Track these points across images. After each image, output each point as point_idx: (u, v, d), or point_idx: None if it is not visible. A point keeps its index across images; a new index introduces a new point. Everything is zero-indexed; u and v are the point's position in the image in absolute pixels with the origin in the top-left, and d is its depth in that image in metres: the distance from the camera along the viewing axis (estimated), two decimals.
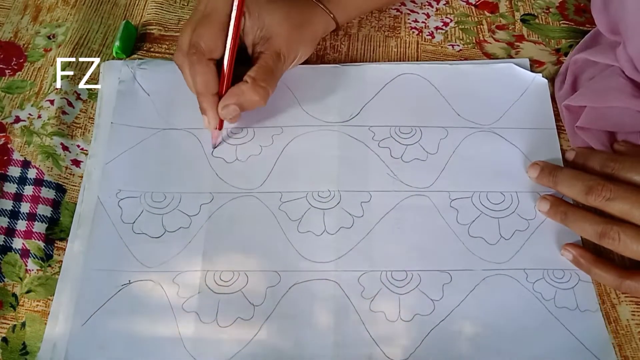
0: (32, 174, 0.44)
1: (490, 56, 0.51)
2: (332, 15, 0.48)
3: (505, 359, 0.38)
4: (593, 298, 0.40)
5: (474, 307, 0.39)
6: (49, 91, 0.48)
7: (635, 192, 0.38)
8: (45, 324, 0.39)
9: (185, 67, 0.43)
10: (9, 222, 0.43)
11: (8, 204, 0.43)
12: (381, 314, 0.39)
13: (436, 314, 0.39)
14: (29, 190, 0.44)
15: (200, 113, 0.43)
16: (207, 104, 0.42)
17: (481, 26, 0.53)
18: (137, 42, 0.51)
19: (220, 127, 0.45)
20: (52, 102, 0.47)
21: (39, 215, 0.43)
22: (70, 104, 0.48)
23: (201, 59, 0.41)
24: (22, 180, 0.44)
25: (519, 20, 0.54)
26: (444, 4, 0.55)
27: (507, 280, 0.40)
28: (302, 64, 0.49)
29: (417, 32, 0.53)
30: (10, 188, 0.44)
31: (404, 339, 0.39)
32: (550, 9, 0.54)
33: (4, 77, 0.49)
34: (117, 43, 0.49)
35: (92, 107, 0.48)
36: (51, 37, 0.51)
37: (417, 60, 0.51)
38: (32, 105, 0.48)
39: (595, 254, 0.41)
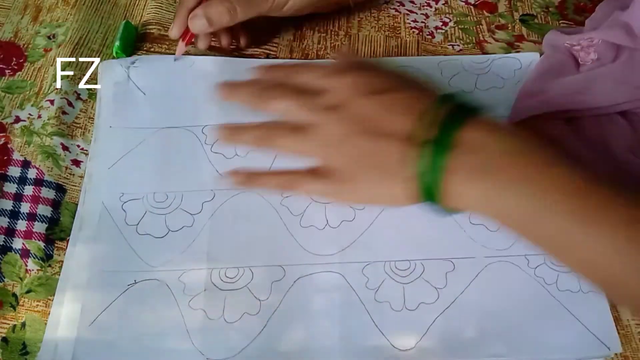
0: (32, 174, 0.46)
1: None
2: None
3: (510, 345, 0.40)
4: None
5: (478, 294, 0.41)
6: (49, 91, 0.50)
7: (295, 91, 0.39)
8: (46, 324, 0.41)
9: None
10: (9, 222, 0.44)
11: (8, 204, 0.45)
12: (386, 304, 0.41)
13: (441, 302, 0.41)
14: (29, 190, 0.45)
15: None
16: (179, 13, 0.49)
17: (480, 26, 0.56)
18: (137, 42, 0.53)
19: (186, 42, 0.50)
20: (52, 102, 0.49)
21: (39, 215, 0.44)
22: (70, 104, 0.49)
23: None
24: (22, 180, 0.46)
25: (518, 20, 0.56)
26: (443, 4, 0.57)
27: (509, 267, 0.42)
28: (303, 57, 0.51)
29: (417, 31, 0.55)
30: (10, 188, 0.45)
31: (410, 328, 0.40)
32: (550, 9, 0.57)
33: (4, 77, 0.51)
34: (117, 43, 0.51)
35: (92, 107, 0.50)
36: (51, 37, 0.53)
37: None
38: (32, 105, 0.49)
39: None
